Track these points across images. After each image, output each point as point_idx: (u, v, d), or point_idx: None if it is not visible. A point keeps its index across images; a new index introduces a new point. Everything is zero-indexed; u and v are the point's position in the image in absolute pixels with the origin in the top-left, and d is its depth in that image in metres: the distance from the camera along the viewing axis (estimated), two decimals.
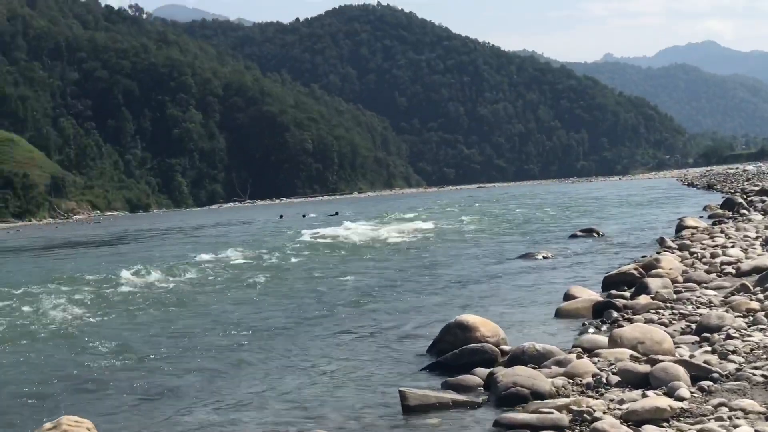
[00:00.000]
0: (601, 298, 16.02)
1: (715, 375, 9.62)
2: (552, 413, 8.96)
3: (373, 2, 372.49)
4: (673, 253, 22.19)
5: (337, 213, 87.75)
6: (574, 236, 35.09)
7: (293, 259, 33.06)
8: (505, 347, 12.53)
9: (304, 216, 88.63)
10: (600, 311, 14.86)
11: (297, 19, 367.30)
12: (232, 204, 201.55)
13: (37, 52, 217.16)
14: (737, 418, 8.16)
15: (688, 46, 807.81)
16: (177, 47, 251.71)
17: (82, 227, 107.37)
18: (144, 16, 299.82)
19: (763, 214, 32.03)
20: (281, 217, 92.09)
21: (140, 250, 48.06)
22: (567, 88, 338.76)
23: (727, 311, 12.77)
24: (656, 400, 8.76)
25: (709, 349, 10.91)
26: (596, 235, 34.64)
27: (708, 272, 17.96)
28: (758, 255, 19.42)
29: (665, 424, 8.36)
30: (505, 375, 10.40)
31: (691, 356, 10.48)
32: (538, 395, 9.88)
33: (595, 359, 10.97)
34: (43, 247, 60.51)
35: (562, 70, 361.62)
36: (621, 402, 9.06)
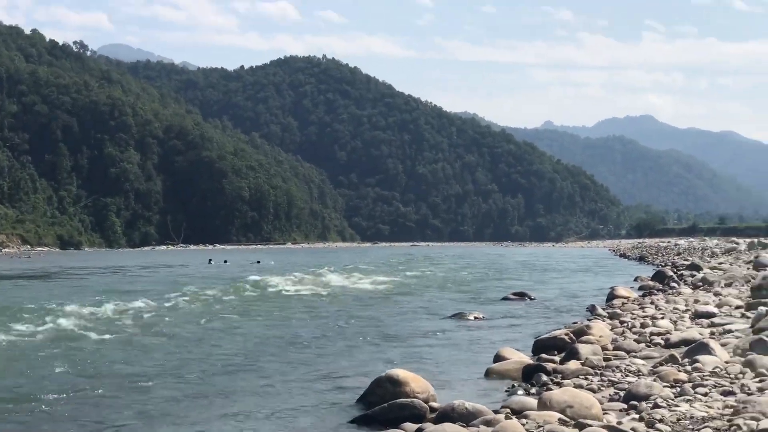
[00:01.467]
0: (531, 361, 16.11)
1: None
2: None
3: (318, 55, 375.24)
4: (603, 320, 22.41)
5: (258, 262, 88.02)
6: (506, 299, 35.29)
7: (218, 306, 32.85)
8: (434, 404, 12.53)
9: (225, 262, 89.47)
10: (530, 374, 14.94)
11: (242, 66, 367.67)
12: (164, 247, 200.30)
13: None
14: None
15: (626, 119, 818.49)
16: (119, 86, 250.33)
17: (12, 261, 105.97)
18: (88, 53, 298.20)
19: (692, 288, 32.41)
20: (210, 261, 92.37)
21: (74, 286, 47.48)
22: (506, 153, 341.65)
23: (655, 380, 12.88)
24: None
25: (636, 416, 10.98)
26: (528, 299, 34.87)
27: (637, 342, 18.12)
28: (687, 327, 19.64)
29: None
30: None
31: (619, 423, 10.54)
32: None
33: (524, 421, 11.00)
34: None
35: (502, 135, 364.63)
36: None
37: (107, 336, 23.03)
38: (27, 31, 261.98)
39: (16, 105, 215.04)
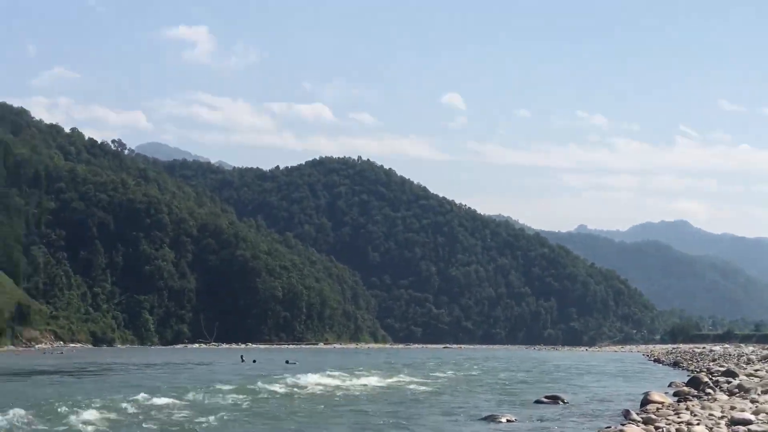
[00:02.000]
0: None
1: None
2: None
3: (353, 157, 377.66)
4: (638, 425, 22.24)
5: (288, 362, 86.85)
6: (539, 402, 35.06)
7: (251, 404, 32.82)
8: None
9: (254, 361, 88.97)
10: None
11: (277, 166, 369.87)
12: (197, 345, 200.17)
13: (15, 179, 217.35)
14: None
15: (660, 224, 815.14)
16: (156, 185, 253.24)
17: (45, 357, 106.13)
18: (126, 151, 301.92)
19: (728, 395, 32.11)
20: (242, 359, 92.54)
21: (109, 382, 47.59)
22: (539, 256, 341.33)
23: None
24: None
25: None
26: (561, 402, 34.64)
27: None
28: None
29: None
30: None
31: None
32: None
33: None
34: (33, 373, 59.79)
35: (536, 238, 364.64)
36: None
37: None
38: (67, 130, 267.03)
39: (54, 202, 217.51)
